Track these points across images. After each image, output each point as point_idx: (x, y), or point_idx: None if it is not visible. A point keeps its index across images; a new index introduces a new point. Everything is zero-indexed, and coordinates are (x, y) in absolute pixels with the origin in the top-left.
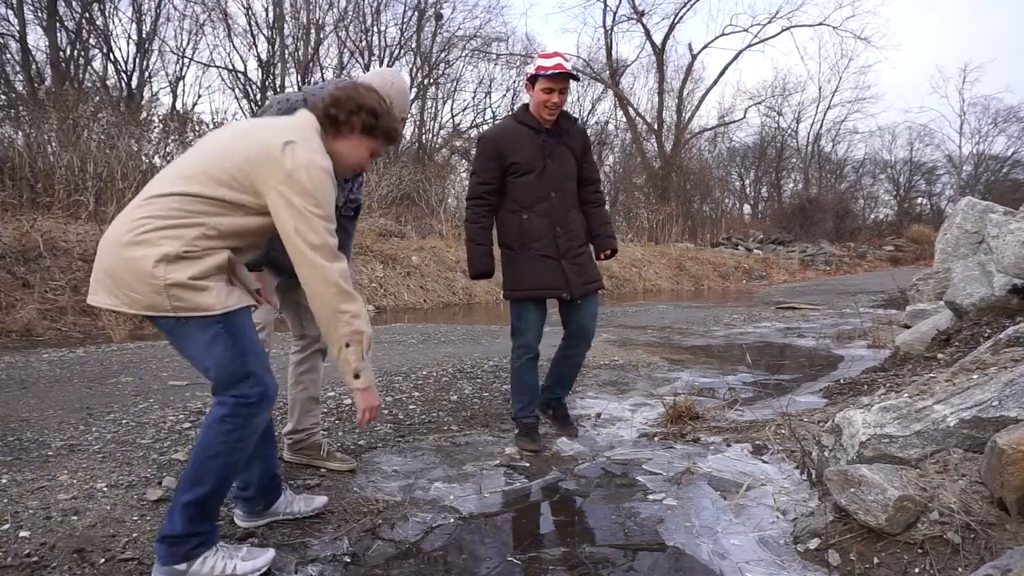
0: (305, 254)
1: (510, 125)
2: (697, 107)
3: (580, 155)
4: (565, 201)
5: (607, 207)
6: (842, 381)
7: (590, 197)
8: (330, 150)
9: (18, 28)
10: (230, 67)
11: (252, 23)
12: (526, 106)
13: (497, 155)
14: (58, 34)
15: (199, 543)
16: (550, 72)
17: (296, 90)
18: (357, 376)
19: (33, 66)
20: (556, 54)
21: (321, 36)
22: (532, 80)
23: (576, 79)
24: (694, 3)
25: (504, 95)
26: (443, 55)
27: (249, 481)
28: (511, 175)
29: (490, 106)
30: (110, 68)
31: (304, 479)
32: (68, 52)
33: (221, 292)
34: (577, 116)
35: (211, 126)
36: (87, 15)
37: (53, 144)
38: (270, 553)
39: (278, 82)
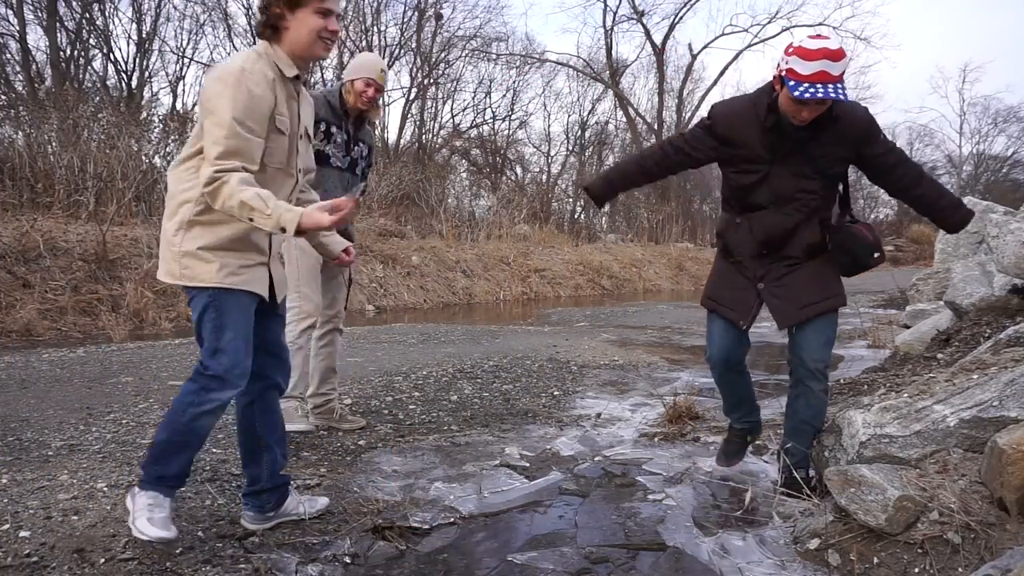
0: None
1: (748, 108)
2: (697, 107)
3: (858, 158)
4: (787, 216)
5: (923, 179)
6: (842, 381)
7: (910, 185)
8: (285, 51)
9: (18, 28)
10: None
11: (252, 23)
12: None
13: (715, 139)
14: (58, 34)
15: (156, 477)
16: (799, 92)
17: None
18: (284, 229)
19: (33, 66)
20: (822, 54)
21: None
22: (780, 80)
23: (845, 100)
24: (694, 3)
25: (504, 95)
26: (443, 55)
27: (258, 476)
28: (727, 167)
29: (490, 106)
30: (110, 68)
31: (304, 479)
32: (68, 52)
33: (223, 269)
34: (845, 105)
35: None
36: (87, 15)
37: (53, 144)
38: (173, 531)
39: None
